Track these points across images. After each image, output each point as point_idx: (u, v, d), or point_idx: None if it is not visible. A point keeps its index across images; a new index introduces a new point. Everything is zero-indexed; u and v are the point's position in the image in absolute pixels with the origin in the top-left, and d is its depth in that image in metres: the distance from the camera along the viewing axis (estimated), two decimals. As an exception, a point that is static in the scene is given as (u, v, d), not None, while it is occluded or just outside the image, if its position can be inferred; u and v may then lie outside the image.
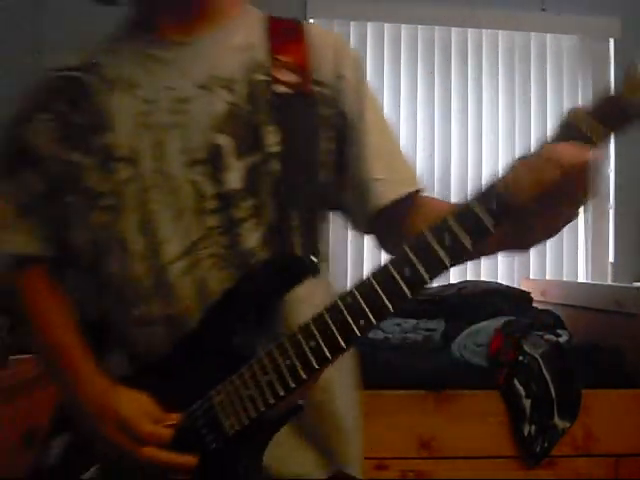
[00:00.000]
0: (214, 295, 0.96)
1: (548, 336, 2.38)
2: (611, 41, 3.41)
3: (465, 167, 3.35)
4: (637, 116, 0.82)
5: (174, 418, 0.92)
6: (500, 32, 3.38)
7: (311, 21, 3.29)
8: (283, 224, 0.98)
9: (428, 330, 2.73)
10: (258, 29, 1.05)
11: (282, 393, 0.89)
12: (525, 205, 0.80)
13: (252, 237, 0.98)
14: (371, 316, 0.86)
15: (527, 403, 2.23)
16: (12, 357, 1.74)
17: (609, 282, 3.35)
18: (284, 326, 0.95)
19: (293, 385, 0.89)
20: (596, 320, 2.66)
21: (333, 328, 0.88)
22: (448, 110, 3.36)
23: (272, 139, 0.99)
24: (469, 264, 2.72)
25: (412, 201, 1.05)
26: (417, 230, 0.88)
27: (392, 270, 0.86)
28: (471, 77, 3.38)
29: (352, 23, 3.31)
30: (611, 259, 3.39)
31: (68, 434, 1.01)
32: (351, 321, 0.87)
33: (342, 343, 0.88)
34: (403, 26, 3.34)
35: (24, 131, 1.08)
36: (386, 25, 3.32)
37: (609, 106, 0.82)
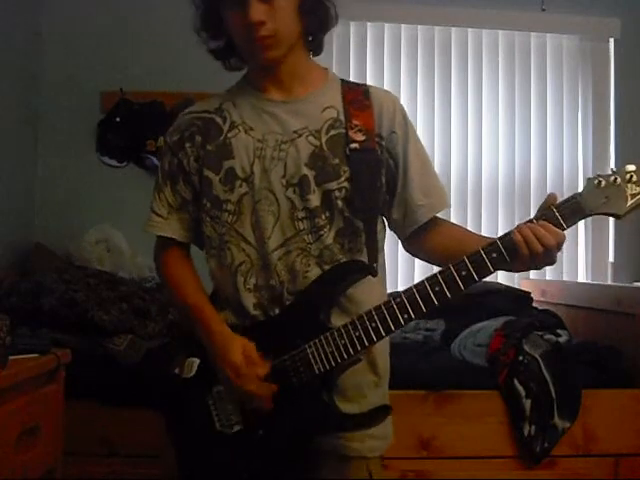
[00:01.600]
0: (299, 274, 1.42)
1: (548, 336, 2.38)
2: (611, 41, 3.41)
3: (465, 166, 3.35)
4: (595, 215, 1.32)
5: (267, 366, 1.38)
6: (500, 32, 3.39)
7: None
8: (348, 231, 1.44)
9: (428, 330, 2.73)
10: (336, 93, 1.49)
11: (352, 352, 1.36)
12: (520, 258, 1.31)
13: (328, 237, 1.43)
14: (423, 307, 1.33)
15: (527, 403, 2.23)
16: (12, 357, 1.74)
17: (609, 282, 3.35)
18: (354, 309, 1.42)
19: (359, 348, 1.36)
20: (596, 320, 2.66)
21: (388, 317, 1.34)
22: (448, 110, 3.36)
23: (344, 176, 1.43)
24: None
25: (434, 219, 1.51)
26: (434, 242, 1.51)
27: (427, 285, 1.33)
28: (471, 77, 3.38)
29: (352, 23, 3.31)
30: (611, 259, 3.39)
31: (200, 359, 1.47)
32: (398, 313, 1.34)
33: (392, 327, 1.35)
34: (403, 26, 3.35)
35: (179, 154, 1.51)
36: (386, 25, 3.33)
37: (574, 206, 1.31)
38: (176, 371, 1.49)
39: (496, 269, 1.33)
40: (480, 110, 3.38)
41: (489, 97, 3.39)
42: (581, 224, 3.39)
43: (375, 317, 1.35)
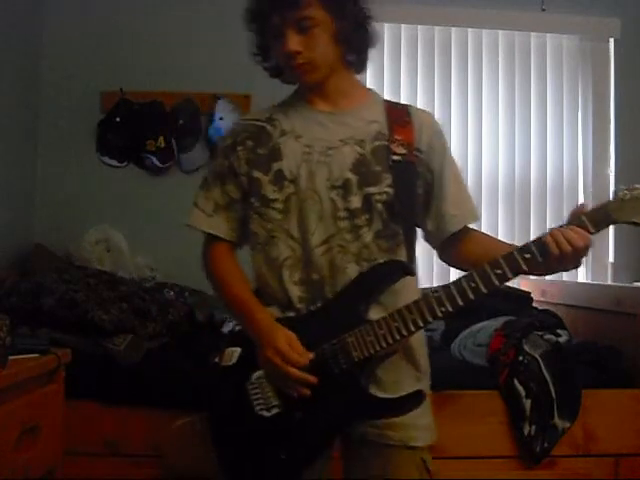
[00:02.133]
0: (339, 269, 1.53)
1: (548, 336, 2.38)
2: (611, 41, 3.41)
3: (465, 166, 3.35)
4: (620, 223, 1.44)
5: (310, 355, 1.47)
6: (500, 32, 3.39)
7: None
8: (388, 232, 1.56)
9: (428, 330, 2.73)
10: (380, 110, 1.62)
11: (390, 341, 1.46)
12: (551, 259, 1.42)
13: (367, 237, 1.55)
14: (460, 301, 1.44)
15: (527, 403, 2.23)
16: (12, 357, 1.74)
17: (609, 282, 3.35)
18: (392, 304, 1.51)
19: (397, 338, 1.47)
20: (596, 320, 2.66)
21: (426, 310, 1.45)
22: (448, 110, 3.36)
23: (385, 182, 1.55)
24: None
25: (466, 229, 1.63)
26: (467, 250, 1.61)
27: (464, 281, 1.44)
28: (471, 77, 3.38)
29: (352, 23, 3.30)
30: (611, 259, 3.39)
31: (241, 348, 1.57)
32: (436, 306, 1.44)
33: (430, 318, 1.45)
34: (403, 26, 3.35)
35: (230, 157, 1.63)
36: (386, 25, 3.32)
37: (602, 214, 1.43)
38: (216, 360, 1.60)
39: (529, 269, 1.44)
40: (480, 110, 3.38)
41: (489, 97, 3.39)
42: (581, 224, 3.40)
43: (414, 309, 1.46)
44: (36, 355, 1.89)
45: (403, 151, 1.57)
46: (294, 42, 1.51)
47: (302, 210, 1.55)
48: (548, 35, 3.41)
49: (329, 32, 1.53)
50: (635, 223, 1.45)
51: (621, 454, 2.28)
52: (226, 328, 2.60)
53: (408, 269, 1.54)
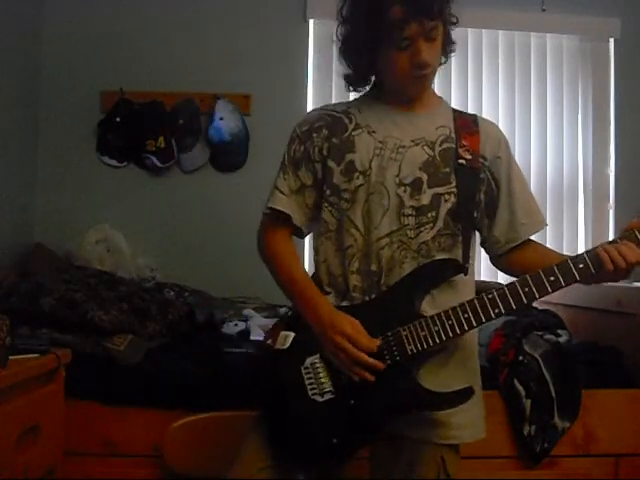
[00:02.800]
0: (397, 264, 1.58)
1: (548, 336, 2.38)
2: (611, 41, 3.41)
3: (465, 167, 3.35)
4: None
5: (377, 342, 1.51)
6: (500, 32, 3.39)
7: (311, 21, 3.29)
8: (448, 231, 1.61)
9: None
10: (449, 116, 1.69)
11: (444, 338, 1.51)
12: (603, 271, 1.49)
13: (428, 234, 1.60)
14: (513, 304, 1.53)
15: (527, 403, 2.23)
16: (12, 357, 1.74)
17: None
18: (445, 301, 1.56)
19: (450, 335, 1.51)
20: (596, 320, 2.66)
21: (479, 310, 1.51)
22: (448, 110, 3.36)
23: (451, 183, 1.61)
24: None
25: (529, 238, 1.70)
26: (528, 258, 1.67)
27: (517, 285, 1.52)
28: (471, 77, 3.38)
29: (352, 23, 3.29)
30: (611, 259, 3.38)
31: (295, 334, 1.59)
32: (490, 307, 1.52)
33: (483, 319, 1.52)
34: (403, 26, 3.34)
35: (306, 143, 1.67)
36: (386, 25, 3.32)
37: None
38: (269, 342, 1.64)
39: (581, 279, 1.50)
40: (480, 110, 3.37)
41: (489, 97, 3.39)
42: (581, 225, 3.41)
43: (468, 309, 1.51)
44: (36, 355, 1.89)
45: (468, 156, 1.63)
46: (427, 53, 1.54)
47: (368, 202, 1.60)
48: (548, 35, 3.41)
49: (441, 40, 1.60)
50: None
51: (621, 454, 2.27)
52: (226, 328, 2.61)
53: (461, 268, 1.60)
